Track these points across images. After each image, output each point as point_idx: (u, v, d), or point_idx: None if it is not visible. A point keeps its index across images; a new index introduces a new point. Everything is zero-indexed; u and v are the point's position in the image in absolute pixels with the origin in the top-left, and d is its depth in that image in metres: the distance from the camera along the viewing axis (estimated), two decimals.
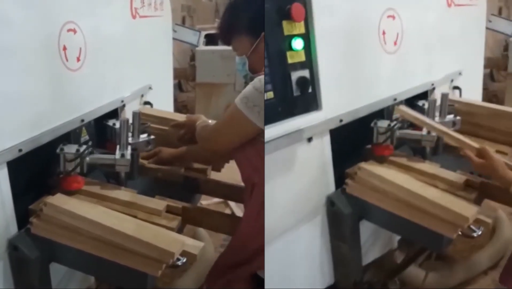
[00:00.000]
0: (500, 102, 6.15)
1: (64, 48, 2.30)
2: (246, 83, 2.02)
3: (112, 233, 1.91)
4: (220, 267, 2.22)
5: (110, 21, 2.77)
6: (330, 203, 2.38)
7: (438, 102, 2.67)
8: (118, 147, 2.33)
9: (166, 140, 2.66)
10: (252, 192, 2.09)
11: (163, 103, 3.51)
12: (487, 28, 3.97)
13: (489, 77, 6.65)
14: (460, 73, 3.42)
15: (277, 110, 2.04)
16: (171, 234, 1.99)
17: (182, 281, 3.19)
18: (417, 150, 2.76)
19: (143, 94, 3.22)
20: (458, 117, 2.73)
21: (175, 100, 4.54)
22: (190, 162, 2.57)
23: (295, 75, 2.08)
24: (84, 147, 2.26)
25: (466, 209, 2.12)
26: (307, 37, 2.11)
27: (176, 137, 2.56)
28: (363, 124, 2.53)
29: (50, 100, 2.23)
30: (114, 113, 2.83)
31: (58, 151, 2.24)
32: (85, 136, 2.57)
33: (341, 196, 2.39)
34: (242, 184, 2.19)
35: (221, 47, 6.04)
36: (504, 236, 3.76)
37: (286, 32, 2.03)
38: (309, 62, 2.14)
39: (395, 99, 2.71)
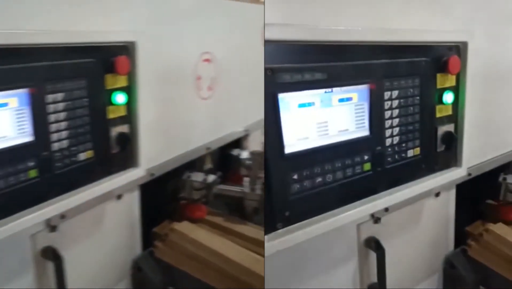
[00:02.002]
0: None
1: (199, 78, 2.25)
2: None
3: (240, 270, 1.85)
4: None
5: (242, 50, 2.68)
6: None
7: None
8: (248, 180, 2.25)
9: None
10: None
11: None
12: None
13: None
14: None
15: (96, 170, 1.76)
16: None
17: None
18: (234, 206, 2.40)
19: None
20: None
21: None
22: None
23: (115, 131, 1.80)
24: (212, 176, 2.20)
25: None
26: (130, 91, 1.86)
27: None
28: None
29: (180, 127, 2.19)
30: (236, 143, 2.74)
31: (184, 177, 2.18)
32: (208, 165, 2.48)
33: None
34: None
35: None
36: None
37: (109, 86, 1.78)
38: (129, 116, 1.87)
39: (208, 148, 2.45)
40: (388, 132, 1.64)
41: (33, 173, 1.48)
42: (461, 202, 2.20)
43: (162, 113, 2.05)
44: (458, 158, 1.93)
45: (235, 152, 2.60)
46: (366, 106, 1.56)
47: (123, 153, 1.79)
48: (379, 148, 1.61)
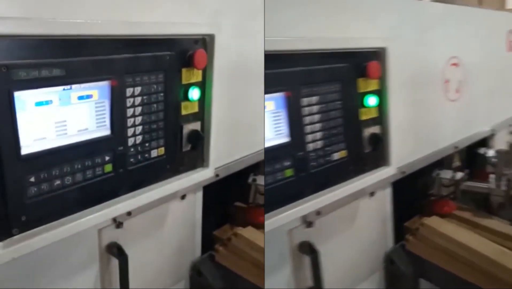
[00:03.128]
0: None
1: (447, 81, 2.28)
2: None
3: (489, 263, 1.84)
4: None
5: (487, 55, 2.68)
6: (390, 260, 2.05)
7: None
8: (494, 176, 2.25)
9: None
10: None
11: None
12: None
13: None
14: None
15: (349, 169, 1.78)
16: None
17: None
18: (480, 202, 2.29)
19: (511, 124, 3.05)
20: None
21: None
22: None
23: (366, 132, 1.81)
24: (460, 173, 2.21)
25: None
26: (381, 93, 1.84)
27: None
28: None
29: (429, 127, 2.23)
30: (483, 142, 2.71)
31: (434, 175, 2.23)
32: (456, 163, 2.51)
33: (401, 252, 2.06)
34: None
35: None
36: None
37: (361, 89, 1.78)
38: (381, 118, 1.86)
39: (456, 147, 2.36)
40: (130, 132, 1.55)
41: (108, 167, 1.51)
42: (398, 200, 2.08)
43: (412, 114, 2.08)
44: (205, 157, 1.83)
45: (482, 150, 2.61)
46: (107, 104, 1.46)
47: (375, 153, 1.85)
48: (121, 148, 1.52)
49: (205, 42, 1.75)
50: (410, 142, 2.08)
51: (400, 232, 2.13)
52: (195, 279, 1.98)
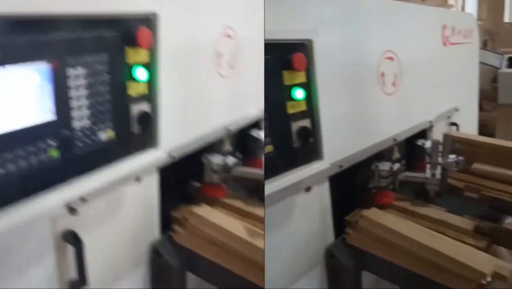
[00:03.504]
0: (490, 132, 5.70)
1: (382, 75, 2.29)
2: None
3: (425, 250, 1.85)
4: None
5: (423, 49, 2.72)
6: (330, 255, 2.03)
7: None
8: (429, 166, 2.29)
9: (473, 161, 2.57)
10: None
11: (468, 124, 3.38)
12: None
13: (479, 108, 5.82)
14: (456, 110, 3.03)
15: (278, 163, 1.71)
16: (481, 254, 1.87)
17: None
18: (419, 191, 2.34)
19: (449, 116, 3.09)
20: (461, 158, 2.29)
21: None
22: None
23: (295, 125, 1.75)
24: (397, 164, 2.25)
25: (482, 263, 1.74)
26: (308, 86, 1.79)
27: None
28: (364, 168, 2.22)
29: (367, 121, 2.24)
30: (422, 134, 2.75)
31: (373, 167, 2.25)
32: (396, 155, 2.53)
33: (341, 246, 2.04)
34: None
35: None
36: None
37: (286, 82, 1.71)
38: (310, 111, 1.80)
39: (394, 140, 2.36)
40: (76, 115, 1.48)
41: (54, 153, 1.42)
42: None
43: (348, 109, 2.09)
44: (155, 139, 1.81)
45: (420, 142, 2.65)
46: (49, 87, 1.38)
47: (305, 147, 1.76)
48: (66, 131, 1.45)
49: (150, 22, 1.71)
50: (347, 136, 2.08)
51: (340, 226, 2.12)
52: (155, 261, 1.97)
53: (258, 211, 2.12)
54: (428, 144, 2.51)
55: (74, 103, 1.48)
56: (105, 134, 1.58)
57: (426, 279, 1.83)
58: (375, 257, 2.00)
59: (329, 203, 2.03)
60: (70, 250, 1.61)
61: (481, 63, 5.61)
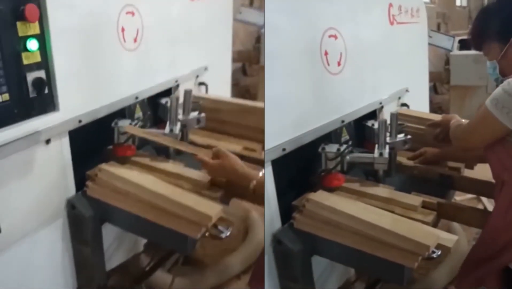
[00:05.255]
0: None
1: (326, 53, 2.21)
2: (497, 86, 1.89)
3: (371, 227, 1.83)
4: (471, 260, 2.09)
5: (369, 28, 2.64)
6: (71, 206, 2.10)
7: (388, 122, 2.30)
8: (376, 146, 2.23)
9: (421, 140, 2.52)
10: (501, 189, 1.97)
11: (420, 105, 3.30)
12: (428, 44, 3.60)
13: (433, 90, 6.42)
14: (407, 90, 3.04)
15: (13, 112, 1.76)
16: (426, 228, 1.89)
17: (436, 272, 3.01)
18: (370, 171, 2.32)
19: (400, 96, 3.03)
20: (409, 136, 2.32)
21: (430, 102, 4.33)
22: (448, 160, 2.43)
23: (31, 76, 1.79)
24: (344, 146, 2.18)
25: (426, 236, 1.77)
26: (43, 38, 1.83)
27: (432, 136, 2.43)
28: (104, 125, 2.30)
29: (312, 102, 2.16)
30: (372, 115, 2.68)
31: (320, 150, 2.18)
32: (345, 136, 2.46)
33: (83, 199, 2.13)
34: (493, 181, 2.04)
35: (474, 52, 5.60)
36: (256, 238, 3.21)
37: (20, 34, 1.75)
38: (45, 62, 1.84)
39: (136, 98, 2.47)
40: None
41: None
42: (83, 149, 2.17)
43: (83, 63, 2.13)
44: (56, 103, 1.89)
45: (369, 122, 2.61)
46: None
47: (40, 97, 1.82)
48: None
49: None
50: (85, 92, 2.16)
51: (287, 211, 2.04)
52: (71, 213, 2.14)
53: (162, 165, 2.27)
54: (377, 125, 2.44)
55: None
56: (0, 98, 1.71)
57: (377, 258, 1.79)
58: (324, 240, 1.93)
59: (69, 156, 2.11)
60: None
61: (434, 45, 5.62)
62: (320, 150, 2.18)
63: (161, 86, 2.71)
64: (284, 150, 1.96)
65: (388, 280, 2.25)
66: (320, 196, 2.02)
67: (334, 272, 2.36)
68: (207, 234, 1.90)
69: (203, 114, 2.52)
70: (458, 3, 9.92)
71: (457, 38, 6.05)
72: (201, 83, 3.12)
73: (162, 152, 2.42)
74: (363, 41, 2.55)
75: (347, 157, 2.19)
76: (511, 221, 1.92)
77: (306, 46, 2.12)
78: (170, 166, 2.23)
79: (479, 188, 2.42)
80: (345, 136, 2.47)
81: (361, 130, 2.65)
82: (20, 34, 1.74)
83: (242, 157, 2.09)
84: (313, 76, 2.16)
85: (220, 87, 3.30)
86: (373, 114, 2.69)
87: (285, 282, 2.04)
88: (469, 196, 3.93)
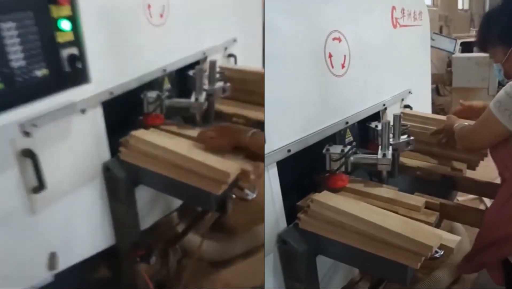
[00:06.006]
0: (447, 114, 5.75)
1: (330, 56, 2.21)
2: (500, 88, 1.92)
3: (375, 228, 1.83)
4: (471, 252, 2.15)
5: (372, 31, 2.65)
6: (106, 168, 2.39)
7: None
8: (380, 147, 2.23)
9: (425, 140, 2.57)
10: (501, 185, 2.06)
11: (422, 106, 3.31)
12: (430, 46, 3.62)
13: (435, 92, 6.65)
14: (410, 92, 3.04)
15: (53, 85, 2.02)
16: (429, 229, 1.89)
17: (440, 272, 3.05)
18: (374, 172, 2.33)
19: (403, 98, 3.04)
20: (412, 138, 2.30)
21: (433, 104, 4.32)
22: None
23: (65, 52, 2.01)
24: (348, 147, 2.18)
25: (429, 237, 1.76)
26: (74, 18, 2.03)
27: (436, 142, 2.51)
28: (135, 96, 2.53)
29: (317, 104, 2.17)
30: (376, 116, 2.69)
31: (324, 151, 2.18)
32: (349, 138, 2.48)
33: (117, 163, 2.40)
34: (495, 181, 2.12)
35: (475, 54, 5.92)
36: None
37: (54, 15, 1.95)
38: (78, 40, 2.05)
39: (164, 70, 2.72)
40: (12, 57, 1.82)
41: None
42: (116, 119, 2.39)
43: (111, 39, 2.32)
44: (87, 76, 2.10)
45: (373, 124, 2.61)
46: None
47: (74, 71, 2.03)
48: (6, 69, 1.81)
49: None
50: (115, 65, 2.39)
51: (293, 212, 2.06)
52: (106, 175, 2.40)
53: (188, 132, 2.44)
54: (380, 126, 2.43)
55: (9, 49, 1.82)
56: (41, 72, 1.94)
57: (380, 258, 1.80)
58: (329, 240, 1.94)
59: (103, 125, 2.36)
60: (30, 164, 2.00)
61: (436, 48, 5.63)
62: (324, 151, 2.18)
63: (188, 59, 2.90)
64: (289, 151, 1.97)
65: (391, 280, 2.26)
66: (325, 197, 2.03)
67: (338, 272, 2.36)
68: (233, 196, 2.20)
69: (228, 84, 2.62)
70: (460, 6, 9.92)
71: (459, 41, 6.06)
72: (406, 106, 3.09)
73: (375, 175, 2.41)
74: (367, 44, 2.55)
75: (351, 158, 2.19)
76: (506, 216, 1.95)
77: (310, 49, 2.13)
78: (384, 191, 2.20)
79: (481, 188, 2.44)
80: (349, 138, 2.50)
81: (365, 131, 2.65)
82: (54, 15, 1.94)
83: None
84: (318, 78, 2.16)
85: (421, 109, 3.23)
86: (376, 116, 2.69)
87: (289, 282, 2.05)
88: (472, 196, 3.94)
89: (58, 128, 2.12)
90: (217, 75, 2.60)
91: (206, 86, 2.54)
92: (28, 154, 1.98)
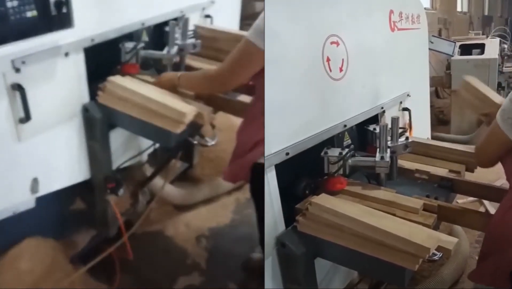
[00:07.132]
0: (447, 118, 6.16)
1: (328, 60, 2.21)
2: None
3: (373, 230, 1.82)
4: (482, 253, 2.08)
5: (370, 34, 2.65)
6: (85, 110, 2.58)
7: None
8: (379, 149, 2.23)
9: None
10: (508, 192, 2.00)
11: (421, 109, 3.33)
12: (429, 49, 3.66)
13: (435, 94, 6.62)
14: (408, 95, 3.04)
15: (40, 25, 2.23)
16: (427, 231, 1.87)
17: (438, 274, 3.00)
18: (372, 175, 2.32)
19: (401, 101, 3.03)
20: (410, 140, 2.29)
21: (432, 106, 4.32)
22: None
23: None
24: (346, 150, 2.18)
25: (426, 238, 1.75)
26: None
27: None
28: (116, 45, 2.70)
29: (315, 107, 2.17)
30: (374, 119, 2.69)
31: (322, 154, 2.17)
32: (347, 141, 2.47)
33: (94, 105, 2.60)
34: (494, 184, 2.13)
35: (474, 57, 5.88)
36: None
37: None
38: None
39: (143, 24, 2.85)
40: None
41: None
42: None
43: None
44: (71, 20, 2.33)
45: (371, 127, 2.62)
46: None
47: (60, 15, 2.28)
48: (2, 8, 2.03)
49: None
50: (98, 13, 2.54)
51: (291, 215, 2.05)
52: (85, 116, 2.61)
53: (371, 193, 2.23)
54: (379, 129, 2.43)
55: None
56: (31, 13, 2.17)
57: (379, 260, 1.79)
58: (327, 243, 1.93)
59: (84, 69, 2.53)
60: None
61: (435, 50, 5.61)
62: (322, 154, 2.17)
63: (166, 15, 3.02)
64: (287, 154, 1.97)
65: (389, 282, 2.26)
66: (323, 199, 2.03)
67: (337, 275, 2.35)
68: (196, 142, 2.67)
69: (199, 41, 2.85)
70: (459, 8, 9.92)
71: (458, 44, 6.03)
72: (404, 109, 3.07)
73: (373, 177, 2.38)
74: (365, 47, 2.55)
75: (349, 161, 2.19)
76: (507, 223, 1.92)
77: (308, 53, 2.13)
78: (382, 193, 2.18)
79: (479, 191, 2.41)
80: (347, 141, 2.48)
81: (363, 134, 2.65)
82: None
83: None
84: (316, 82, 2.17)
85: (419, 112, 3.30)
86: (375, 119, 2.69)
87: (288, 284, 2.04)
88: (471, 199, 3.92)
89: (44, 67, 2.30)
90: (191, 33, 2.88)
91: (178, 41, 2.76)
92: (17, 88, 2.18)
